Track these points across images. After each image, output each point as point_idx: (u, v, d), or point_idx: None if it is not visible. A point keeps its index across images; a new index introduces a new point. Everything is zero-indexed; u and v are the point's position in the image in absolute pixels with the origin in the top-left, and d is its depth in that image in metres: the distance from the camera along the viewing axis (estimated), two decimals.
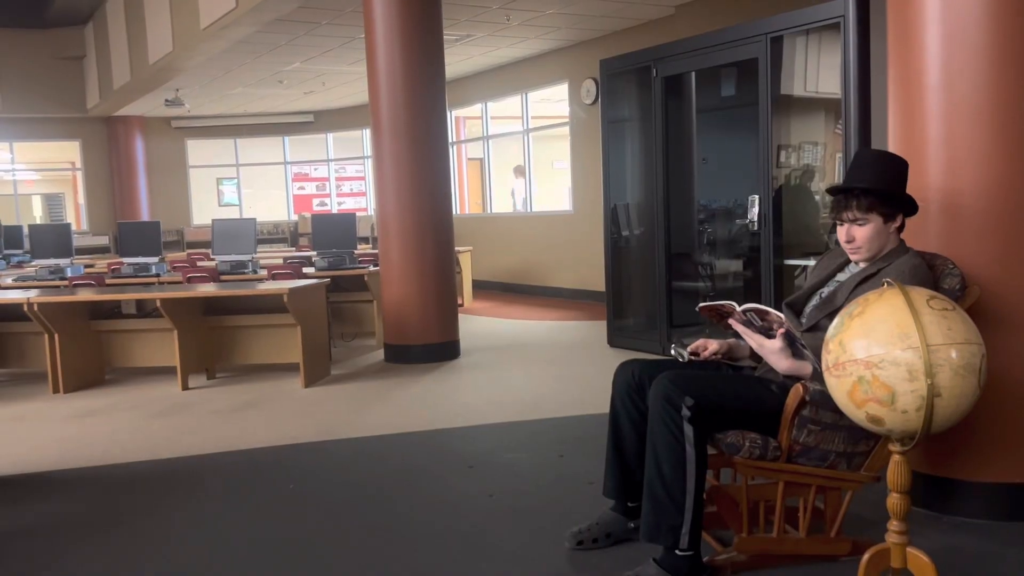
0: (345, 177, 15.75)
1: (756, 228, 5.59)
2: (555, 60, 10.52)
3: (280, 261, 8.36)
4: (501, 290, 11.72)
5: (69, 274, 7.35)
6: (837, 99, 5.09)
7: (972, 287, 2.65)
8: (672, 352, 2.83)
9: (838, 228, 2.62)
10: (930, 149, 2.97)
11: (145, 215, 14.72)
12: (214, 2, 8.10)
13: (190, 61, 9.93)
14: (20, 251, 9.38)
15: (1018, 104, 2.90)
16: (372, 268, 7.11)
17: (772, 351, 2.48)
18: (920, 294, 2.02)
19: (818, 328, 2.53)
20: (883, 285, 2.08)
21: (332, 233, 7.56)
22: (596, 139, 7.69)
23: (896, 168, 2.59)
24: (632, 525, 2.78)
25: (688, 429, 2.39)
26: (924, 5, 2.99)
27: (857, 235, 2.56)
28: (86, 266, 8.49)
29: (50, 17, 12.86)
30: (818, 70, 5.82)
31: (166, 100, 12.28)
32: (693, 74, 6.39)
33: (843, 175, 5.15)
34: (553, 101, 11.25)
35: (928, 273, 2.53)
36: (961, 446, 3.00)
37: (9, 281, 7.35)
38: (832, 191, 2.61)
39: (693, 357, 2.76)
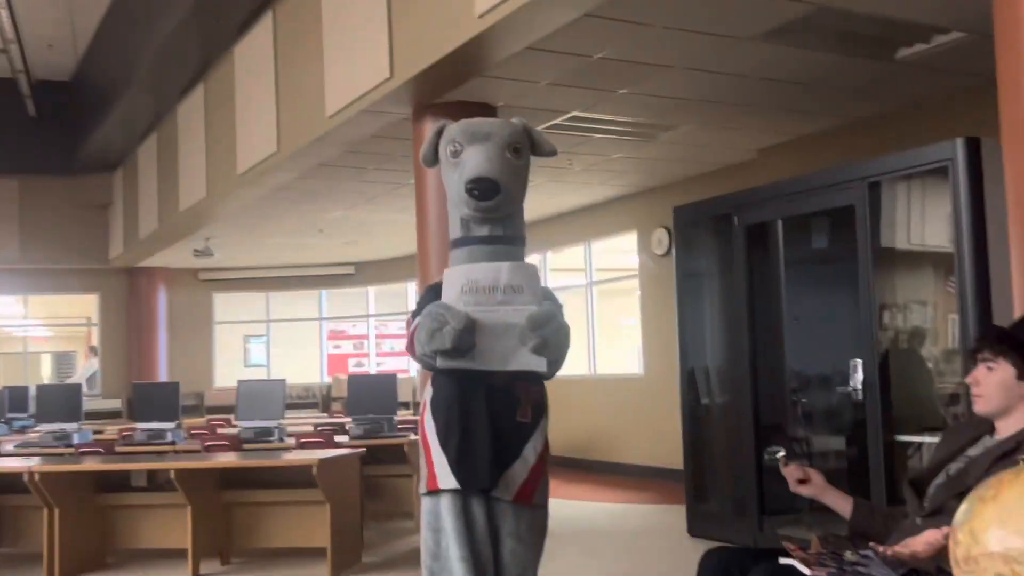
0: (386, 335, 15.99)
1: (860, 398, 5.49)
2: (622, 207, 10.79)
3: (310, 428, 8.40)
4: (562, 465, 11.53)
5: (76, 440, 7.46)
6: (948, 253, 5.09)
7: None
8: (766, 457, 2.76)
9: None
10: None
11: (163, 375, 15.00)
12: (254, 145, 8.52)
13: (224, 208, 10.34)
14: (24, 415, 9.59)
15: None
16: (413, 436, 7.09)
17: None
18: None
19: (944, 511, 2.44)
20: (1021, 463, 2.01)
21: (370, 396, 7.61)
22: (669, 294, 7.75)
23: None
24: None
25: None
26: None
27: (982, 379, 2.60)
28: (95, 431, 8.62)
29: (78, 164, 13.64)
30: (924, 220, 5.85)
31: (195, 250, 12.77)
32: (780, 222, 6.47)
33: (959, 338, 5.09)
34: (620, 252, 11.45)
35: None
36: None
37: (10, 448, 7.49)
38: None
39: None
